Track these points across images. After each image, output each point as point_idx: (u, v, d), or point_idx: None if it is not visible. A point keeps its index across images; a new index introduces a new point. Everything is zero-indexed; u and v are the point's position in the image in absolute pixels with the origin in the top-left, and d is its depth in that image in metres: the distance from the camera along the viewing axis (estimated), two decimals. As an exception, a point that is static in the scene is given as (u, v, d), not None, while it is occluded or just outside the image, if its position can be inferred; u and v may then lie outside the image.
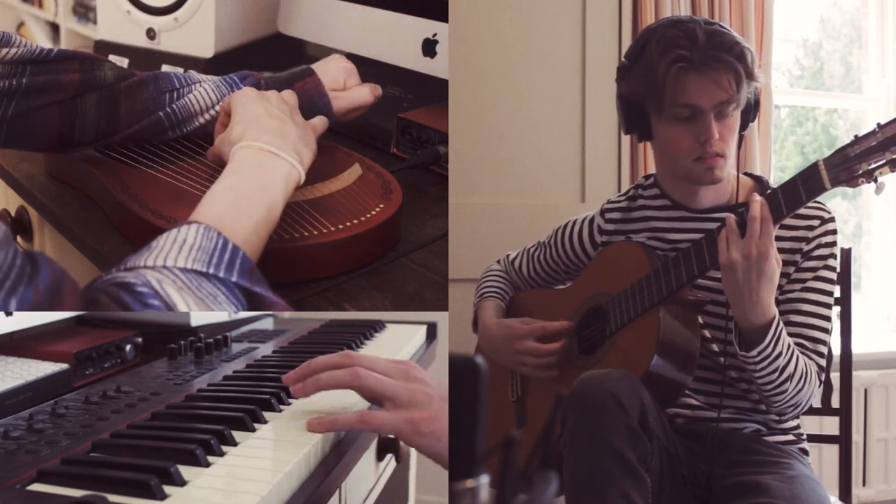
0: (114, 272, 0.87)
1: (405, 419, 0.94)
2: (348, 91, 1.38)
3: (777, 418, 1.50)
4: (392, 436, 0.98)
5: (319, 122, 1.25)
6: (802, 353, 1.39)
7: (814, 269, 1.43)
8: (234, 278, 0.89)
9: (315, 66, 1.38)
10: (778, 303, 1.38)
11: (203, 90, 1.28)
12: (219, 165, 1.15)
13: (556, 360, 1.58)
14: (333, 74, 1.37)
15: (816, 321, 1.43)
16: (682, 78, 1.41)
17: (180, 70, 1.80)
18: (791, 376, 1.36)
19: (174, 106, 1.27)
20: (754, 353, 1.33)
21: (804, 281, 1.44)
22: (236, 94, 1.19)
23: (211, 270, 0.88)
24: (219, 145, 1.13)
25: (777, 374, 1.35)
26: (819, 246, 1.44)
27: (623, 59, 1.52)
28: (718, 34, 1.42)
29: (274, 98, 1.18)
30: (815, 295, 1.43)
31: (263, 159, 1.05)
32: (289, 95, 1.23)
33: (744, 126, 1.47)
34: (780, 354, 1.34)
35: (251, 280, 0.91)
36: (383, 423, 0.95)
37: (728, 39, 1.41)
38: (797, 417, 1.52)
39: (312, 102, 1.33)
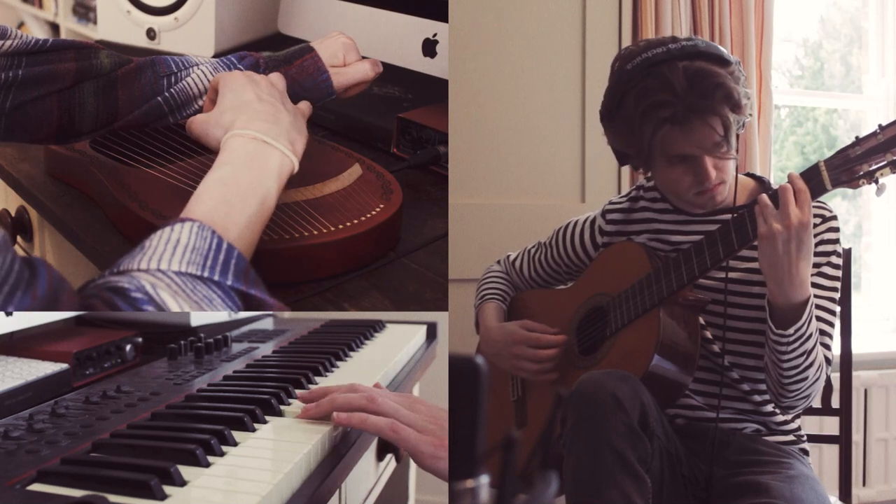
0: (107, 275, 0.85)
1: (429, 441, 0.95)
2: (349, 67, 1.36)
3: (778, 419, 1.49)
4: (407, 453, 1.00)
5: (305, 106, 1.22)
6: None
7: (817, 266, 1.43)
8: (229, 281, 0.87)
9: (314, 43, 1.36)
10: None
11: (201, 72, 1.27)
12: (198, 144, 1.12)
13: (554, 366, 1.58)
14: (333, 50, 1.36)
15: (823, 314, 1.42)
16: (668, 137, 1.38)
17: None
18: (813, 363, 1.35)
19: (172, 90, 1.26)
20: (791, 330, 1.31)
21: None
22: (225, 75, 1.16)
23: (206, 273, 0.86)
24: (203, 125, 1.09)
25: (804, 357, 1.34)
26: (822, 242, 1.43)
27: (603, 100, 1.48)
28: (699, 76, 1.35)
29: (263, 82, 1.15)
30: (819, 291, 1.42)
31: (256, 149, 1.02)
32: (277, 79, 1.20)
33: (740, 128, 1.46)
34: (810, 336, 1.33)
35: (246, 282, 0.89)
36: (409, 438, 0.96)
37: (710, 81, 1.35)
38: (799, 416, 1.52)
39: (313, 79, 1.31)
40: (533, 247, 1.77)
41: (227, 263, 0.88)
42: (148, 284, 0.82)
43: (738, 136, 1.42)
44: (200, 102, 1.27)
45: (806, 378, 1.36)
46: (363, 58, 1.39)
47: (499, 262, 1.82)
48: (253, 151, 1.02)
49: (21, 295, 0.71)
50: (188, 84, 1.26)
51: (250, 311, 0.91)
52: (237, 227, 0.94)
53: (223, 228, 0.91)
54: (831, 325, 1.44)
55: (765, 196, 1.31)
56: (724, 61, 1.38)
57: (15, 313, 1.27)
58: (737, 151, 1.45)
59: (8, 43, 1.15)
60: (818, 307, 1.41)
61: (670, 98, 1.35)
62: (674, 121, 1.36)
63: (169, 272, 0.85)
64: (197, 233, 0.88)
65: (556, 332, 1.60)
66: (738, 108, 1.38)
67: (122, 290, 0.82)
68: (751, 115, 1.44)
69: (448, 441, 0.94)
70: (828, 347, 1.43)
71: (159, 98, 1.25)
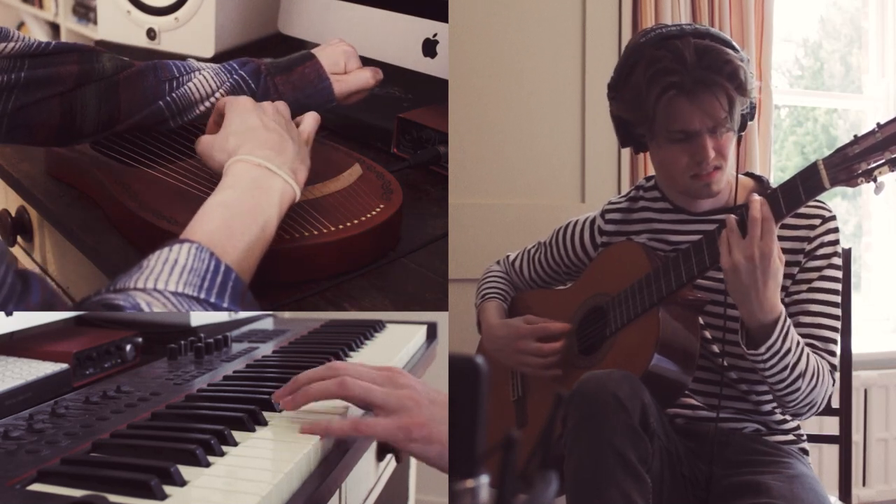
0: (103, 292, 0.85)
1: (398, 425, 0.94)
2: (349, 74, 1.37)
3: (777, 418, 1.49)
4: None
5: (311, 121, 1.21)
6: (814, 352, 1.39)
7: (819, 269, 1.43)
8: (225, 304, 0.87)
9: (315, 51, 1.37)
10: (785, 305, 1.37)
11: (203, 78, 1.27)
12: (204, 165, 1.14)
13: (559, 360, 1.58)
14: (334, 58, 1.37)
15: (825, 320, 1.42)
16: (672, 105, 1.39)
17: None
18: (803, 374, 1.35)
19: (174, 95, 1.26)
20: (762, 349, 1.32)
21: (810, 281, 1.43)
22: (231, 99, 1.16)
23: (202, 295, 0.86)
24: (209, 148, 1.10)
25: (788, 371, 1.34)
26: (822, 245, 1.43)
27: (613, 75, 1.50)
28: (709, 51, 1.38)
29: (269, 109, 1.15)
30: (822, 294, 1.42)
31: (259, 176, 1.03)
32: (283, 107, 1.19)
33: (742, 127, 1.46)
34: (789, 350, 1.33)
35: (243, 305, 0.89)
36: (376, 429, 0.95)
37: (719, 57, 1.37)
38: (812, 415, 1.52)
39: (314, 86, 1.32)
40: (533, 247, 1.77)
41: (224, 286, 0.88)
42: (143, 303, 0.82)
43: (743, 121, 1.43)
44: (202, 107, 1.28)
45: (798, 389, 1.36)
46: (363, 63, 1.40)
47: (498, 262, 1.82)
48: (257, 178, 1.02)
49: (13, 308, 0.71)
50: (189, 89, 1.27)
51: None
52: (236, 251, 0.94)
53: (222, 251, 0.91)
54: (835, 329, 1.43)
55: (733, 219, 1.32)
56: (733, 47, 1.41)
57: (15, 313, 1.27)
58: (739, 145, 1.45)
59: (10, 45, 1.15)
60: (821, 314, 1.41)
61: (678, 67, 1.37)
62: (680, 88, 1.37)
63: (165, 292, 0.85)
64: (195, 254, 0.89)
65: (560, 325, 1.59)
66: (744, 89, 1.39)
67: (118, 307, 0.82)
68: (755, 104, 1.45)
69: (429, 422, 0.93)
70: (832, 354, 1.42)
71: (161, 102, 1.25)
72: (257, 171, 1.03)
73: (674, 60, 1.38)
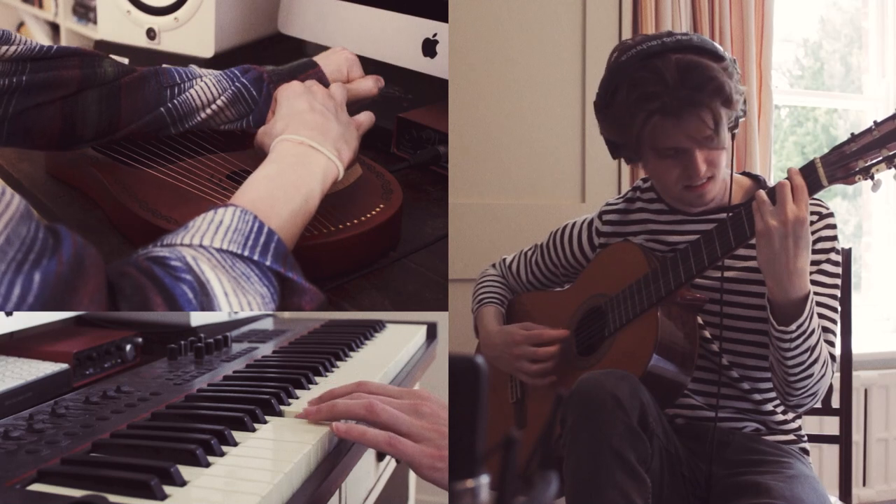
0: (150, 247, 0.88)
1: (427, 454, 0.95)
2: (352, 82, 1.38)
3: (778, 418, 1.50)
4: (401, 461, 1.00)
5: (365, 118, 1.25)
6: None
7: (817, 263, 1.43)
8: (268, 262, 0.90)
9: (318, 58, 1.38)
10: None
11: (204, 85, 1.28)
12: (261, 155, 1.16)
13: (553, 366, 1.58)
14: (337, 66, 1.37)
15: (825, 311, 1.42)
16: (658, 128, 1.38)
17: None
18: (817, 359, 1.35)
19: (175, 101, 1.26)
20: (793, 326, 1.31)
21: (808, 275, 1.43)
22: (283, 87, 1.20)
23: (246, 252, 0.89)
24: (261, 135, 1.16)
25: (808, 353, 1.33)
26: (820, 240, 1.43)
27: (598, 92, 1.49)
28: (691, 69, 1.35)
29: (320, 93, 1.19)
30: (821, 288, 1.42)
31: (302, 152, 1.07)
32: (336, 89, 1.23)
33: (734, 126, 1.44)
34: (813, 332, 1.33)
35: (285, 265, 0.92)
36: (405, 452, 0.95)
37: (703, 74, 1.35)
38: (799, 416, 1.52)
39: None
40: (529, 249, 1.77)
41: (267, 246, 0.91)
42: (189, 256, 0.85)
43: (732, 133, 1.42)
44: (203, 114, 1.28)
45: (811, 375, 1.36)
46: (363, 64, 1.40)
47: (494, 265, 1.82)
48: (300, 154, 1.06)
49: (47, 261, 0.72)
50: (191, 95, 1.27)
51: (287, 295, 0.93)
52: (279, 219, 0.97)
53: (265, 218, 0.94)
54: (834, 322, 1.44)
55: (762, 192, 1.31)
56: (717, 56, 1.39)
57: (15, 313, 1.27)
58: (733, 151, 1.45)
59: (13, 49, 1.15)
60: (820, 304, 1.41)
61: (661, 90, 1.36)
62: (664, 112, 1.36)
63: (210, 248, 0.88)
64: (240, 216, 0.92)
65: (557, 331, 1.59)
66: (730, 103, 1.38)
67: (162, 258, 0.84)
68: (744, 111, 1.44)
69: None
70: (832, 345, 1.42)
71: (162, 109, 1.26)
72: (300, 149, 1.07)
73: (656, 83, 1.36)
